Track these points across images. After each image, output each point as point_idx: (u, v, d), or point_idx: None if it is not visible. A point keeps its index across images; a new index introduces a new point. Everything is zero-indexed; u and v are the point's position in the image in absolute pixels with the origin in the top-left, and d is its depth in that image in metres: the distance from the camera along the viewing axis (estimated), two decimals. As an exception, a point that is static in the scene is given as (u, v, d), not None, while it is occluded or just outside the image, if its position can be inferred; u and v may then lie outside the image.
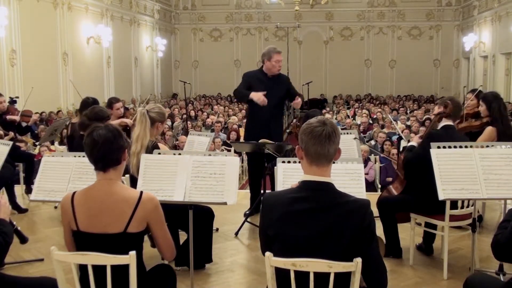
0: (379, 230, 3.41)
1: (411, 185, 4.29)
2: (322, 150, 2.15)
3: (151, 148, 3.72)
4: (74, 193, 2.45)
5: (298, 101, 5.57)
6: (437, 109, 4.25)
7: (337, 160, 2.25)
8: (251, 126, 5.76)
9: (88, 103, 5.58)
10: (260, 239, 2.36)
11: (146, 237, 2.58)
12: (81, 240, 2.41)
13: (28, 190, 6.42)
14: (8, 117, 6.36)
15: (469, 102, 5.27)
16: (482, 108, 4.83)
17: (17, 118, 6.40)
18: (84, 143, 2.43)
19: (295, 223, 2.13)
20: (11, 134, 6.09)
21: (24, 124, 6.78)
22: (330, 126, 2.17)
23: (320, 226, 2.11)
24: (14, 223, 2.77)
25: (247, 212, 5.36)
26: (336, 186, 2.21)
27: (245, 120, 12.35)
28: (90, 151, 2.41)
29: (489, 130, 4.72)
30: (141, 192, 2.43)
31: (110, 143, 2.38)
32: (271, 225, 2.19)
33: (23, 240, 2.87)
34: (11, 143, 4.75)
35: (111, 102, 6.02)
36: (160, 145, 3.92)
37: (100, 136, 2.38)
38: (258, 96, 5.33)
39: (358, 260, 2.07)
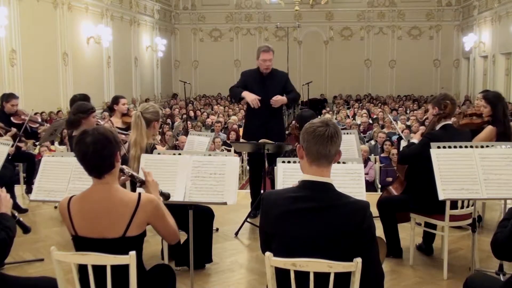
0: (379, 231, 3.41)
1: (411, 185, 4.29)
2: (323, 150, 2.16)
3: (150, 151, 3.72)
4: (70, 198, 2.41)
5: (276, 99, 5.37)
6: (431, 110, 4.23)
7: (336, 161, 2.25)
8: (249, 125, 5.77)
9: (76, 100, 5.58)
10: (260, 237, 2.36)
11: (146, 238, 2.58)
12: (79, 245, 2.39)
13: (29, 190, 6.42)
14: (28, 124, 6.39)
15: (478, 102, 5.25)
16: (486, 109, 4.83)
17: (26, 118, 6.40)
18: (74, 151, 2.38)
19: (293, 222, 2.13)
20: (14, 130, 6.08)
21: (29, 127, 6.76)
22: (333, 127, 2.19)
23: (319, 226, 2.11)
24: (16, 214, 2.76)
25: (252, 213, 5.33)
26: (336, 186, 2.21)
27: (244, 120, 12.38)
28: (81, 161, 2.35)
29: (490, 129, 4.73)
30: (140, 194, 2.38)
31: (100, 152, 2.31)
32: (269, 223, 2.21)
33: (26, 229, 2.86)
34: (11, 143, 4.75)
35: (117, 98, 6.05)
36: (158, 147, 3.92)
37: (88, 146, 2.30)
38: (251, 98, 5.34)
39: (358, 260, 2.07)
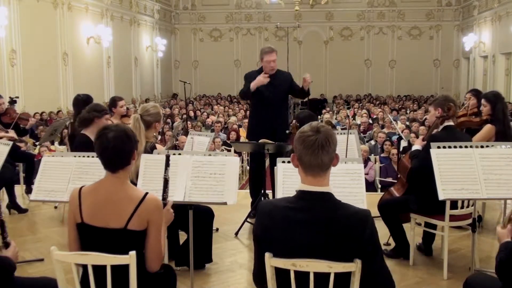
0: (379, 231, 3.40)
1: (413, 186, 4.27)
2: (315, 160, 2.05)
3: (150, 150, 3.71)
4: (82, 186, 2.51)
5: (307, 78, 5.45)
6: (434, 111, 4.22)
7: (335, 166, 2.15)
8: (254, 125, 5.76)
9: (79, 100, 5.59)
10: (254, 246, 2.24)
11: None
12: (84, 232, 2.44)
13: (29, 190, 6.41)
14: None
15: (469, 102, 5.28)
16: (486, 108, 4.83)
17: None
18: (94, 145, 2.46)
19: (292, 235, 2.06)
20: (12, 132, 6.08)
21: (22, 127, 6.76)
22: (323, 134, 2.05)
23: (318, 239, 2.04)
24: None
25: (252, 213, 5.32)
26: (336, 186, 2.17)
27: (245, 120, 12.40)
28: (100, 155, 2.44)
29: (488, 128, 4.74)
30: (146, 193, 2.45)
31: (119, 147, 2.40)
32: (267, 235, 2.13)
33: None
34: (11, 143, 4.75)
35: (114, 100, 6.02)
36: (157, 146, 3.91)
37: (109, 141, 2.38)
38: (257, 81, 5.38)
39: (358, 260, 2.05)
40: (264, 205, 2.22)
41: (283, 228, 2.08)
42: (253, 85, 5.43)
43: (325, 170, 2.10)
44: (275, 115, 5.51)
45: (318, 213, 2.06)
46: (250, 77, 5.65)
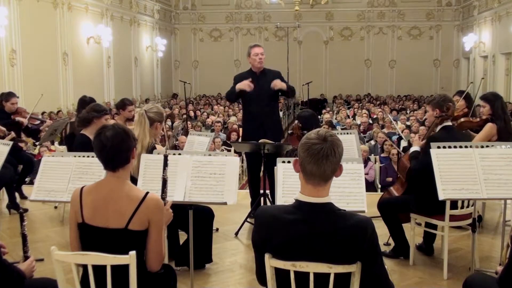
0: (379, 230, 3.41)
1: (413, 186, 4.28)
2: (317, 170, 2.01)
3: (150, 150, 3.72)
4: (83, 186, 2.52)
5: (275, 82, 5.40)
6: (431, 111, 4.22)
7: (338, 177, 2.11)
8: (247, 126, 5.79)
9: (85, 101, 5.63)
10: (254, 252, 2.22)
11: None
12: (85, 233, 2.44)
13: (17, 189, 6.25)
14: (17, 118, 6.35)
15: (457, 104, 5.27)
16: (485, 108, 4.86)
17: (25, 120, 6.39)
18: (92, 144, 2.47)
19: (293, 247, 2.05)
20: (12, 134, 6.09)
21: (30, 125, 6.77)
22: (330, 143, 2.01)
23: (319, 251, 2.02)
24: None
25: (252, 213, 5.33)
26: (336, 186, 2.16)
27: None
28: (99, 153, 2.45)
29: (490, 126, 4.76)
30: (147, 192, 2.45)
31: (118, 145, 2.41)
32: (267, 246, 2.11)
33: None
34: (11, 143, 4.75)
35: (125, 104, 5.96)
36: (157, 146, 3.92)
37: (107, 139, 2.39)
38: (243, 85, 5.37)
39: (358, 261, 2.05)
40: (262, 215, 2.16)
41: (283, 241, 2.06)
42: (237, 86, 5.43)
43: (326, 181, 2.06)
44: (264, 114, 5.50)
45: (318, 226, 2.02)
46: (238, 78, 5.64)
